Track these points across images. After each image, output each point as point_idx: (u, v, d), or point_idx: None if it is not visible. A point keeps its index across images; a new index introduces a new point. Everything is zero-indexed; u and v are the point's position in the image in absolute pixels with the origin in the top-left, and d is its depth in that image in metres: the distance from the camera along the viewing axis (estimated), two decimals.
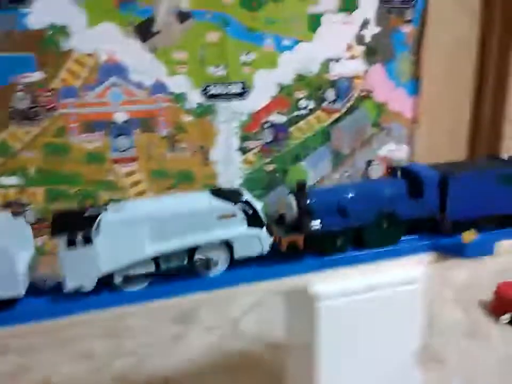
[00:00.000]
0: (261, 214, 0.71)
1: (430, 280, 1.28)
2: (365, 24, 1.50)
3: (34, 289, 0.66)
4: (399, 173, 0.83)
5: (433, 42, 1.59)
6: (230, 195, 0.71)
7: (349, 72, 1.52)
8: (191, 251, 0.67)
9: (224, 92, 1.37)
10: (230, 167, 1.42)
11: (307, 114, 1.49)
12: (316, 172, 1.55)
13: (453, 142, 1.70)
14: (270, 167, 1.48)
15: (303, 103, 1.48)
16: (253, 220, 0.70)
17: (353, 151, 1.58)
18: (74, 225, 0.63)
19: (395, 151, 1.64)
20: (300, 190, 0.74)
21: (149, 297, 0.66)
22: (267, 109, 1.44)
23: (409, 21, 1.55)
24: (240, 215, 0.68)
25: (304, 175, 1.53)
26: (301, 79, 1.46)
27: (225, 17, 1.31)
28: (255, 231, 0.69)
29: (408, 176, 0.80)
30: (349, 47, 1.50)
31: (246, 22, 1.34)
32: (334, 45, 1.48)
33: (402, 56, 1.57)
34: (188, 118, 1.36)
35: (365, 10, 1.48)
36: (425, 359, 0.94)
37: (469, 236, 0.71)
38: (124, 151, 1.31)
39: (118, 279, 0.64)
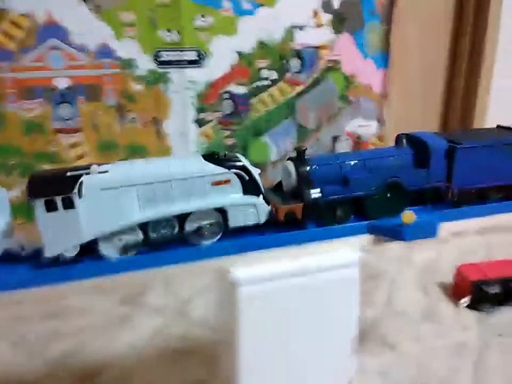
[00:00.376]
0: (258, 181, 0.66)
1: (391, 261, 1.23)
2: None
3: (11, 256, 0.59)
4: (404, 141, 0.76)
5: (404, 12, 1.51)
6: (225, 160, 0.66)
7: (315, 41, 1.43)
8: (182, 219, 0.62)
9: (178, 59, 1.28)
10: (186, 140, 1.33)
11: (269, 86, 1.41)
12: (279, 147, 1.47)
13: (425, 116, 1.63)
14: (230, 141, 1.40)
15: (265, 73, 1.39)
16: (249, 187, 0.65)
17: (319, 126, 1.50)
18: (54, 187, 0.58)
19: (364, 126, 1.57)
20: (299, 157, 0.68)
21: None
22: (226, 79, 1.35)
23: None
24: (235, 181, 0.64)
25: (266, 150, 1.45)
26: (262, 47, 1.37)
27: None
28: (251, 198, 0.64)
29: (415, 144, 0.74)
30: (315, 14, 1.41)
31: None
32: (299, 11, 1.39)
33: (372, 26, 1.48)
34: (137, 87, 1.26)
35: None
36: (376, 344, 0.89)
37: (409, 217, 0.65)
38: (67, 120, 1.21)
39: (102, 247, 0.59)
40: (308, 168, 0.67)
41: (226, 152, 0.73)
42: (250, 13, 1.32)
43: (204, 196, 0.62)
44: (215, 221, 0.63)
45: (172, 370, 0.88)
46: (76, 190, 0.57)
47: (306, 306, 0.59)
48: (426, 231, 0.66)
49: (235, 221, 0.64)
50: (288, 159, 0.69)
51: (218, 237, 0.64)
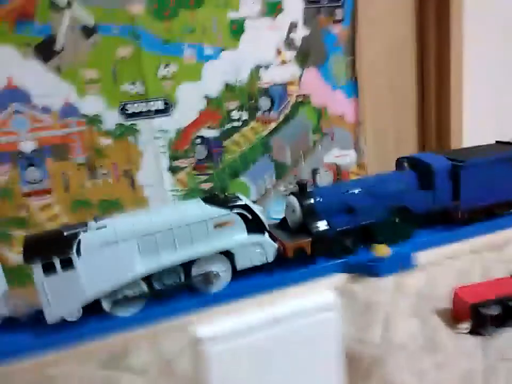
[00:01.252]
0: (262, 219, 0.64)
1: (383, 292, 1.18)
2: (292, 27, 1.44)
3: (12, 322, 0.56)
4: (405, 164, 0.75)
5: (367, 41, 1.54)
6: (225, 201, 0.64)
7: (282, 78, 1.45)
8: (188, 266, 0.60)
9: (145, 110, 1.28)
10: (161, 190, 1.31)
11: (241, 126, 1.41)
12: (258, 185, 1.45)
13: (401, 140, 1.63)
14: (207, 185, 1.38)
15: (235, 114, 1.39)
16: (253, 225, 0.64)
17: (296, 161, 1.49)
18: (51, 249, 0.56)
19: (341, 156, 1.56)
20: (302, 190, 0.66)
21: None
22: (196, 124, 1.35)
23: (339, 21, 1.49)
24: (238, 222, 0.62)
25: (245, 190, 1.43)
26: (230, 89, 1.37)
27: (135, 29, 1.23)
28: (256, 237, 0.63)
29: (417, 167, 0.72)
30: (279, 52, 1.43)
31: (160, 33, 1.26)
32: (262, 51, 1.41)
33: (336, 58, 1.51)
34: (106, 141, 1.25)
35: (291, 12, 1.42)
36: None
37: (382, 250, 0.62)
38: (35, 183, 1.19)
39: (106, 305, 0.57)
40: (312, 200, 0.65)
41: (226, 193, 0.71)
42: (213, 57, 1.34)
43: (207, 240, 0.60)
44: (222, 264, 0.62)
45: None
46: (74, 250, 0.55)
47: (282, 357, 0.54)
48: (401, 263, 0.62)
49: (242, 262, 0.63)
50: (290, 194, 0.67)
51: (228, 281, 0.63)
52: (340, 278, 0.62)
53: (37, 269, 0.55)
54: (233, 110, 1.39)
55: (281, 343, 0.54)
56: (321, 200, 0.68)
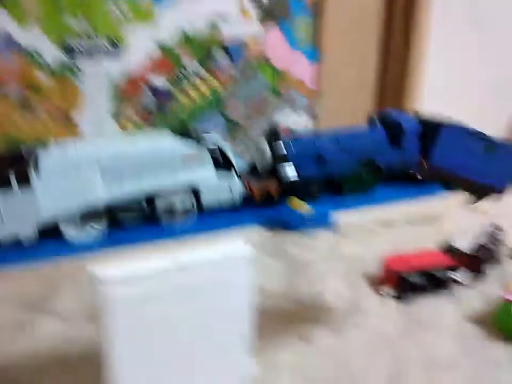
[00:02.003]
0: (231, 158, 0.62)
1: (318, 253, 1.19)
2: None
3: None
4: (377, 122, 0.74)
5: (334, 5, 1.50)
6: (195, 136, 0.61)
7: (242, 34, 1.40)
8: (152, 198, 0.57)
9: (90, 48, 1.21)
10: (101, 135, 1.26)
11: (194, 79, 1.36)
12: None
13: (358, 109, 1.62)
14: None
15: (189, 65, 1.34)
16: (222, 163, 0.61)
17: (250, 121, 1.47)
18: (7, 162, 0.52)
19: (297, 121, 1.54)
20: (273, 135, 0.63)
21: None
22: (146, 71, 1.29)
23: None
24: (207, 158, 0.59)
25: None
26: (186, 39, 1.32)
27: None
28: (224, 175, 0.60)
29: (388, 124, 0.71)
30: (242, 7, 1.38)
31: None
32: (224, 3, 1.36)
33: (302, 20, 1.47)
34: (44, 78, 1.18)
35: None
36: (293, 339, 0.84)
37: (300, 205, 0.61)
38: None
39: (65, 229, 0.54)
40: (283, 146, 0.63)
41: (196, 129, 0.69)
42: (171, 3, 1.27)
43: (173, 173, 0.58)
44: (187, 199, 0.60)
45: (63, 377, 0.80)
46: (31, 166, 0.52)
47: (190, 307, 0.53)
48: (321, 222, 0.62)
49: (208, 199, 0.61)
50: (261, 137, 0.66)
51: (192, 216, 0.61)
52: (259, 231, 0.61)
53: None
54: (186, 60, 1.34)
55: (189, 292, 0.52)
56: (292, 147, 0.67)
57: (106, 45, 1.22)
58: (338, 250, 1.20)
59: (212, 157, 0.61)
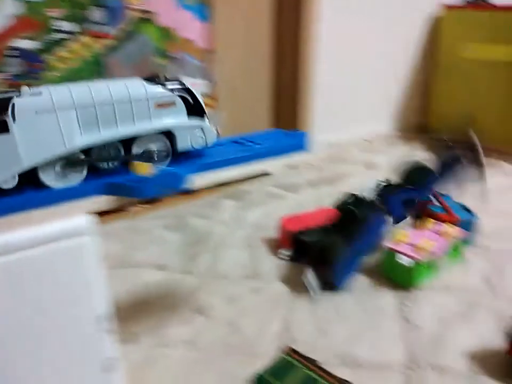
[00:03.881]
0: (202, 103, 0.67)
1: (220, 222, 1.19)
2: None
3: None
4: None
5: None
6: (167, 82, 0.65)
7: None
8: (128, 144, 0.61)
9: None
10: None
11: (68, 40, 1.24)
12: None
13: (255, 69, 1.61)
14: None
15: (60, 25, 1.22)
16: (194, 109, 0.65)
17: None
18: None
19: (191, 86, 1.48)
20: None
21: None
22: (9, 32, 1.15)
23: None
24: (180, 104, 0.64)
25: None
26: None
27: None
28: (197, 121, 0.65)
29: None
30: None
31: None
32: None
33: None
34: None
35: None
36: (187, 312, 0.83)
37: (143, 168, 0.58)
38: None
39: (44, 176, 0.56)
40: None
41: (167, 75, 0.69)
42: None
43: (148, 118, 0.62)
44: (162, 144, 0.64)
45: None
46: (9, 112, 0.53)
47: (31, 285, 0.48)
48: (171, 183, 0.59)
49: (183, 144, 0.65)
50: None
51: (167, 161, 0.64)
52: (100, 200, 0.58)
53: None
54: (57, 19, 1.21)
55: (26, 269, 0.47)
56: None
57: None
58: (240, 218, 1.21)
59: (184, 103, 0.65)
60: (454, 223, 1.01)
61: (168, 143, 0.65)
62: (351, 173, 1.54)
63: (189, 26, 1.46)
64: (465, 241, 0.98)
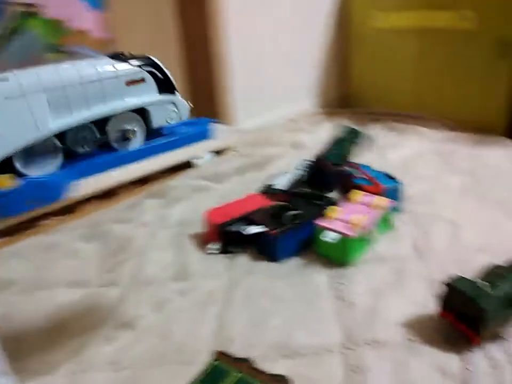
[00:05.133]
0: (172, 79, 0.69)
1: (142, 226, 1.13)
2: None
3: None
4: None
5: None
6: (133, 59, 0.66)
7: None
8: (102, 124, 0.62)
9: None
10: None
11: None
12: None
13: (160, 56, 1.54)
14: None
15: None
16: (164, 85, 0.67)
17: None
18: None
19: None
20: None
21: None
22: None
23: None
24: (150, 80, 0.66)
25: None
26: None
27: None
28: (168, 96, 0.68)
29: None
30: None
31: None
32: None
33: None
34: None
35: None
36: (112, 328, 0.76)
37: (4, 181, 0.53)
38: None
39: (19, 164, 0.58)
40: None
41: (132, 52, 0.68)
42: None
43: (120, 97, 0.62)
44: (136, 122, 0.64)
45: None
46: None
47: None
48: (44, 195, 0.54)
49: (157, 120, 0.66)
50: None
51: (142, 139, 0.65)
52: None
53: None
54: None
55: None
56: None
57: None
58: (164, 217, 1.15)
59: (154, 79, 0.66)
60: (380, 192, 1.02)
61: (142, 121, 0.65)
62: (278, 155, 1.52)
63: (82, 17, 1.37)
64: (393, 209, 0.99)
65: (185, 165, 1.48)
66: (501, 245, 0.89)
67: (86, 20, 1.36)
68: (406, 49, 1.78)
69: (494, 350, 0.64)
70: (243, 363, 0.54)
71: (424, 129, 1.62)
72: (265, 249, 0.94)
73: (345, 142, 1.10)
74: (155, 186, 1.33)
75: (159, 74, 0.66)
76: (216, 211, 1.02)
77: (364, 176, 1.07)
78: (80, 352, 0.72)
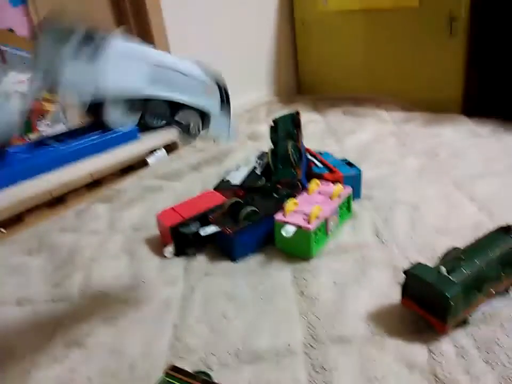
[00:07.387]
0: (229, 97, 0.75)
1: (92, 234, 1.07)
2: None
3: None
4: None
5: None
6: (210, 71, 0.72)
7: None
8: (175, 109, 0.68)
9: None
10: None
11: None
12: None
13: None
14: None
15: None
16: (225, 99, 0.73)
17: None
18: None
19: (24, 82, 1.31)
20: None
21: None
22: None
23: None
24: (217, 92, 0.72)
25: None
26: None
27: None
28: (225, 110, 0.73)
29: None
30: None
31: None
32: None
33: None
34: None
35: None
36: (61, 348, 0.71)
37: None
38: None
39: (109, 109, 0.61)
40: None
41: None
42: None
43: (196, 97, 0.71)
44: (198, 122, 0.72)
45: None
46: (102, 45, 0.58)
47: None
48: None
49: (212, 128, 0.74)
50: None
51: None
52: None
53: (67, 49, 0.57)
54: None
55: None
56: None
57: None
58: (116, 223, 1.10)
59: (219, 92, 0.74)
60: (339, 180, 1.00)
61: (201, 124, 0.72)
62: (235, 147, 1.49)
63: (2, 15, 1.28)
64: (353, 197, 0.97)
65: (139, 165, 1.42)
66: (460, 227, 0.88)
67: (5, 18, 1.27)
68: (353, 31, 1.77)
69: (460, 336, 0.63)
70: (196, 378, 0.50)
71: (381, 112, 1.62)
72: (223, 249, 0.90)
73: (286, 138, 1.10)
74: (104, 190, 1.27)
75: (224, 90, 0.76)
76: (168, 212, 0.98)
77: (322, 164, 1.05)
78: (25, 375, 0.67)
